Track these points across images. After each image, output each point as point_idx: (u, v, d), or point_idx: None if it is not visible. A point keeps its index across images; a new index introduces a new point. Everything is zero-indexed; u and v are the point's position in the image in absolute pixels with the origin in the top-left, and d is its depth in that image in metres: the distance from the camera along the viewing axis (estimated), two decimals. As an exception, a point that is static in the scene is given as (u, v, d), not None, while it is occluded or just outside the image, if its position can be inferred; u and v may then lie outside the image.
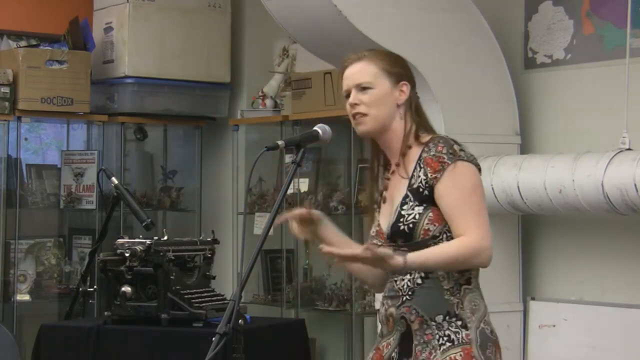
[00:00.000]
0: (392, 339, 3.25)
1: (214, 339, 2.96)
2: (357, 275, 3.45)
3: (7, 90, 6.03)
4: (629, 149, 4.39)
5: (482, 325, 3.20)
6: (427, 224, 3.17)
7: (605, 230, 4.73)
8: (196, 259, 4.92)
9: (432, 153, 3.20)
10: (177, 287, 4.71)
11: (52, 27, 6.62)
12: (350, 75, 3.30)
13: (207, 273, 4.95)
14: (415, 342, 3.18)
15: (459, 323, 3.17)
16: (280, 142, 3.24)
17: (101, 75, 6.41)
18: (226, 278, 6.24)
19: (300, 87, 5.99)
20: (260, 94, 6.39)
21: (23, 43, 6.62)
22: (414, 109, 3.30)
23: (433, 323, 3.16)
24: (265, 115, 6.33)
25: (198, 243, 4.97)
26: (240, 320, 2.99)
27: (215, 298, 4.84)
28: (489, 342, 3.20)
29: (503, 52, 4.97)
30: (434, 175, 3.17)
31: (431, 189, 3.18)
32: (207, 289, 4.89)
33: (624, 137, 4.44)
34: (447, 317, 3.17)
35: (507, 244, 4.95)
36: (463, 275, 3.21)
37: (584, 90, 4.88)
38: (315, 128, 3.34)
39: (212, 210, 6.70)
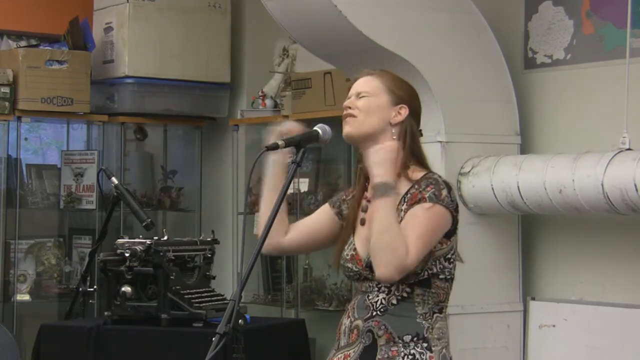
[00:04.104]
0: (352, 351, 3.28)
1: (214, 339, 2.96)
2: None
3: (7, 90, 6.03)
4: (629, 149, 4.38)
5: (444, 351, 3.26)
6: None
7: (605, 230, 4.73)
8: (196, 259, 4.92)
9: (420, 189, 3.22)
10: (177, 287, 4.71)
11: (52, 27, 6.62)
12: (355, 86, 3.37)
13: (207, 273, 4.94)
14: (379, 356, 3.22)
15: (425, 345, 3.21)
16: (280, 142, 3.24)
17: (101, 75, 6.41)
18: (226, 278, 6.24)
19: (300, 87, 5.99)
20: (260, 94, 6.39)
21: (23, 43, 6.62)
22: (409, 138, 3.30)
23: (400, 341, 3.20)
24: (265, 115, 6.32)
25: (198, 243, 4.97)
26: (240, 320, 2.99)
27: (215, 298, 4.84)
28: None
29: (503, 52, 4.97)
30: (407, 208, 3.20)
31: None
32: (207, 289, 4.89)
33: (624, 137, 4.43)
34: (414, 338, 3.21)
35: (507, 244, 4.95)
36: (437, 304, 3.26)
37: (584, 90, 4.88)
38: (315, 128, 3.34)
39: (212, 210, 6.69)
